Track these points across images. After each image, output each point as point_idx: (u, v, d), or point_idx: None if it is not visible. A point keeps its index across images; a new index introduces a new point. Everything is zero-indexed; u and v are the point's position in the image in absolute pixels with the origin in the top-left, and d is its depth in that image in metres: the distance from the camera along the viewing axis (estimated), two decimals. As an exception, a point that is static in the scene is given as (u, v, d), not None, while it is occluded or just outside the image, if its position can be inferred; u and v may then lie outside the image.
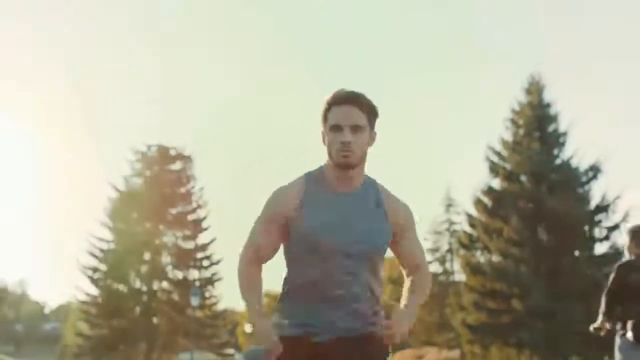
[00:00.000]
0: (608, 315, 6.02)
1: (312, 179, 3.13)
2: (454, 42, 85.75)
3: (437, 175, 72.46)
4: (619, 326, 6.04)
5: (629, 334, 5.96)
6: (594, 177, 30.92)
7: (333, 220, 3.03)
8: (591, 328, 6.29)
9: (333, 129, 3.05)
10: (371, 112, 3.10)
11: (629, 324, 5.97)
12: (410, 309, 3.11)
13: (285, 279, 3.16)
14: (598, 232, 30.93)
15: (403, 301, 3.16)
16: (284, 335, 3.06)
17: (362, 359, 3.07)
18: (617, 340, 6.08)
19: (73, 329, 61.84)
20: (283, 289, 3.16)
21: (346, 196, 3.08)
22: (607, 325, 6.02)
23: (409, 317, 3.08)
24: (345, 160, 3.03)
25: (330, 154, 3.09)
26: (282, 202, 3.10)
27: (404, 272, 3.27)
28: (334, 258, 3.01)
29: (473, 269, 31.24)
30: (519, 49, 78.62)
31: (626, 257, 6.27)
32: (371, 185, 3.15)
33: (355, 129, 3.04)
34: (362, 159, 3.10)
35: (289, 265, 3.16)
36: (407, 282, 3.24)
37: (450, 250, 41.63)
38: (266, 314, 3.10)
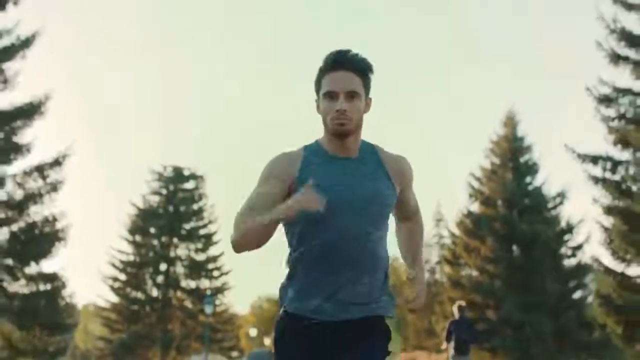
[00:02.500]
0: (447, 340, 12.44)
1: (310, 149, 3.15)
2: (451, 44, 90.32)
3: (429, 188, 77.90)
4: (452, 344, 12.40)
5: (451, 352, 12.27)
6: (561, 202, 36.64)
7: (337, 181, 3.05)
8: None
9: (327, 96, 3.05)
10: (366, 76, 3.10)
11: (452, 344, 12.29)
12: (421, 272, 3.34)
13: (291, 252, 3.14)
14: (564, 251, 36.64)
15: (410, 256, 3.37)
16: (290, 312, 3.10)
17: (369, 342, 3.09)
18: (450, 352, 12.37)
19: (84, 332, 68.05)
20: (289, 264, 3.14)
21: (345, 160, 3.10)
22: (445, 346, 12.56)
23: (425, 282, 3.35)
24: (341, 129, 3.04)
25: (325, 123, 3.10)
26: (284, 165, 3.09)
27: (396, 217, 3.40)
28: (335, 222, 3.01)
29: (453, 282, 37.11)
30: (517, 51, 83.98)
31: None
32: (369, 148, 3.19)
33: (351, 95, 3.04)
34: (359, 126, 3.10)
35: (293, 231, 3.12)
36: (404, 228, 3.41)
37: (440, 262, 47.41)
38: None
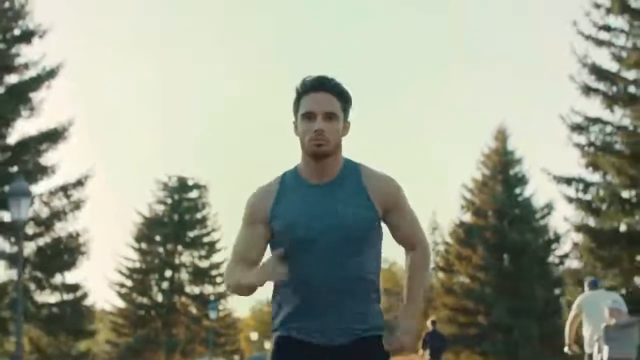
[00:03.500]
0: (423, 348, 15.08)
1: (288, 176, 3.17)
2: (451, 45, 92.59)
3: (426, 195, 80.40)
4: (427, 352, 15.02)
5: (427, 357, 14.91)
6: (549, 213, 39.40)
7: (305, 213, 3.06)
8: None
9: (305, 117, 3.07)
10: (345, 100, 3.13)
11: (428, 351, 14.95)
12: (411, 311, 3.17)
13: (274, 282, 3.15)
14: (552, 259, 39.40)
15: (404, 296, 3.22)
16: (283, 335, 3.15)
17: None
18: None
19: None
20: (273, 291, 3.22)
21: (322, 187, 3.10)
22: None
23: (413, 323, 3.16)
24: (319, 150, 3.05)
25: (302, 144, 3.10)
26: (258, 204, 3.15)
27: (400, 244, 3.27)
28: (313, 251, 3.04)
29: (446, 289, 39.87)
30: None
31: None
32: (351, 169, 3.16)
33: (329, 116, 3.06)
34: (337, 147, 3.11)
35: None
36: (407, 260, 3.26)
37: (435, 269, 50.13)
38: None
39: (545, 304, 37.49)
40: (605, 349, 9.57)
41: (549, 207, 39.45)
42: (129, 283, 46.87)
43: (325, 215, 3.06)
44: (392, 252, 48.87)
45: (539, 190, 39.84)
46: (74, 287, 25.99)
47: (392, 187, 3.18)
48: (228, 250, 50.65)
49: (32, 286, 24.88)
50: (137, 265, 47.07)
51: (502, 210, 38.92)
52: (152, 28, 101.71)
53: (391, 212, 3.17)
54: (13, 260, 24.16)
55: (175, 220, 47.52)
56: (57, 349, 24.50)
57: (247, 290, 3.09)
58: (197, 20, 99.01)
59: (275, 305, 3.21)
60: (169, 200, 48.17)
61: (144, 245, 47.35)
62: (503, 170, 39.81)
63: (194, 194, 48.71)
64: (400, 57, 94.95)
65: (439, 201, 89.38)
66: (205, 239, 48.19)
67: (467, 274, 39.28)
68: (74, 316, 25.40)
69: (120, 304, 46.88)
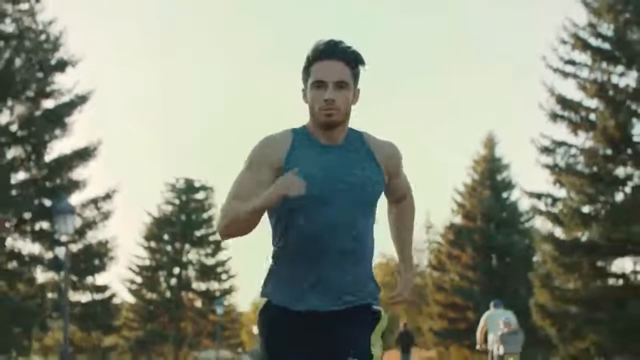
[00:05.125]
0: (396, 343, 19.61)
1: (299, 132, 3.23)
2: (451, 46, 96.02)
3: (422, 194, 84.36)
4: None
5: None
6: (533, 216, 43.65)
7: (324, 169, 3.13)
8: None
9: (315, 85, 3.12)
10: (356, 66, 3.19)
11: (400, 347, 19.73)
12: (409, 260, 3.43)
13: (274, 239, 3.23)
14: (536, 259, 43.67)
15: (400, 248, 3.45)
16: (274, 304, 3.20)
17: (353, 330, 3.17)
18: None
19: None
20: (273, 252, 3.24)
21: (333, 148, 3.18)
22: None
23: (411, 275, 3.41)
24: (329, 119, 3.11)
25: (312, 113, 3.17)
26: (270, 150, 3.18)
27: (388, 201, 3.45)
28: (327, 209, 3.11)
29: (437, 286, 44.20)
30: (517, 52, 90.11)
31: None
32: (356, 136, 3.26)
33: (340, 85, 3.12)
34: (347, 117, 3.18)
35: (278, 221, 3.21)
36: (395, 210, 3.48)
37: (428, 267, 54.46)
38: None
39: (528, 301, 41.74)
40: (502, 347, 15.06)
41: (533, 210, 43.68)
42: (138, 280, 50.83)
43: (341, 174, 3.13)
44: (385, 248, 53.00)
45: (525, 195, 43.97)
46: (103, 288, 30.49)
47: (396, 152, 3.32)
48: (233, 248, 54.86)
49: (68, 287, 29.14)
50: (147, 262, 50.90)
51: (489, 213, 43.17)
52: (153, 31, 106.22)
53: (394, 176, 3.33)
54: (50, 264, 28.50)
55: (183, 220, 51.47)
56: (89, 342, 28.93)
57: (249, 220, 3.06)
58: (202, 23, 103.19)
59: (273, 264, 3.23)
60: (177, 201, 52.20)
61: (153, 244, 51.30)
62: (491, 176, 44.06)
63: (200, 195, 52.74)
64: (400, 57, 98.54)
65: (436, 202, 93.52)
66: (211, 238, 52.10)
67: (457, 272, 43.54)
68: (103, 313, 29.82)
69: (131, 299, 50.88)
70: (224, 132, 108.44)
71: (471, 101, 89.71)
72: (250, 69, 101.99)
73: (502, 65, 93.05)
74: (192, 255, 51.78)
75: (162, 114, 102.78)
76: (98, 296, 30.38)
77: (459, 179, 47.18)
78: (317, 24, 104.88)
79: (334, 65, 3.13)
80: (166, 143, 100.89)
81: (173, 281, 51.10)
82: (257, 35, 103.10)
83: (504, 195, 44.47)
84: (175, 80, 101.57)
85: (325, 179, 3.13)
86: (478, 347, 16.27)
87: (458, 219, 44.79)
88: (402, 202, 3.47)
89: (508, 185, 44.61)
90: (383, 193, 3.30)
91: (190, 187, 52.63)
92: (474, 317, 42.69)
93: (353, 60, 3.18)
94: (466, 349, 42.97)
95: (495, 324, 15.50)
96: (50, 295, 28.55)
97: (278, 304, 3.19)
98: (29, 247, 28.59)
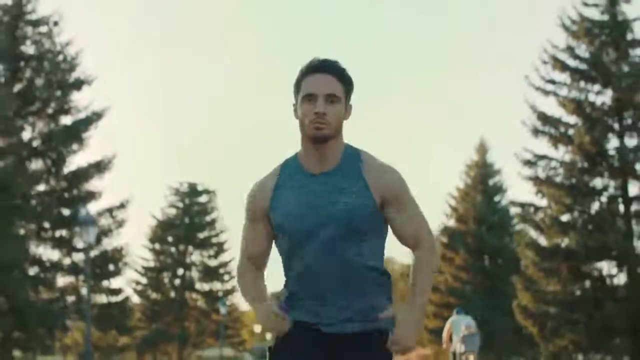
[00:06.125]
0: None
1: (287, 165, 3.28)
2: (450, 46, 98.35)
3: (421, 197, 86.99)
4: None
5: None
6: (518, 223, 46.58)
7: (302, 204, 3.17)
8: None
9: (306, 98, 3.15)
10: (348, 82, 3.21)
11: None
12: (410, 306, 3.16)
13: (283, 266, 3.34)
14: (526, 261, 46.61)
15: (410, 290, 3.21)
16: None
17: (359, 355, 3.21)
18: None
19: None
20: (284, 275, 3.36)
21: (319, 176, 3.19)
22: None
23: (416, 321, 3.15)
24: (319, 133, 3.13)
25: (302, 127, 3.18)
26: (256, 198, 3.28)
27: (399, 241, 3.29)
28: (311, 242, 3.16)
29: (433, 287, 46.91)
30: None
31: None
32: (352, 156, 3.24)
33: (331, 98, 3.14)
34: (338, 131, 3.18)
35: (281, 258, 3.34)
36: (412, 259, 3.27)
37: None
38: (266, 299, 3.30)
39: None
40: (463, 346, 18.52)
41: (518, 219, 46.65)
42: (144, 281, 53.62)
43: (322, 206, 3.15)
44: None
45: (519, 196, 46.87)
46: (118, 291, 33.52)
47: (392, 178, 3.21)
48: (235, 249, 57.77)
49: (84, 290, 32.06)
50: (152, 264, 53.78)
51: (481, 217, 46.07)
52: (153, 27, 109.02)
53: (390, 205, 3.20)
54: (69, 269, 31.46)
55: (186, 222, 54.22)
56: (104, 342, 31.85)
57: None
58: (197, 21, 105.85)
59: (285, 285, 3.32)
60: (181, 205, 55.06)
61: (157, 246, 54.17)
62: (483, 181, 46.99)
63: (203, 199, 55.60)
64: (402, 56, 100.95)
65: (431, 206, 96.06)
66: (214, 240, 54.90)
67: (450, 273, 46.45)
68: (118, 315, 32.80)
69: (136, 299, 53.59)
70: (226, 137, 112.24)
71: (466, 106, 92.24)
72: (250, 67, 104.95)
73: (501, 68, 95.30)
74: (196, 256, 54.49)
75: (166, 124, 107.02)
76: (113, 298, 33.36)
77: (453, 183, 50.18)
78: (318, 22, 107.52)
79: (324, 78, 3.17)
80: (170, 149, 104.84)
81: (177, 282, 53.88)
82: (260, 35, 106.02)
83: (496, 199, 47.38)
84: (176, 83, 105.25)
85: (303, 214, 3.17)
86: (444, 345, 19.71)
87: (452, 222, 47.70)
88: (416, 252, 3.27)
89: (499, 190, 47.54)
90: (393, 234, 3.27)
91: (193, 191, 55.41)
92: (467, 316, 45.68)
93: (344, 75, 3.22)
94: (459, 346, 45.89)
95: (458, 327, 19.02)
96: (69, 298, 31.48)
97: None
98: (49, 253, 31.55)
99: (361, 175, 3.20)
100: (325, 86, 3.16)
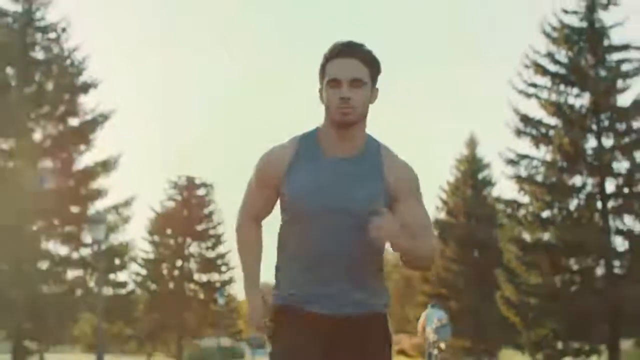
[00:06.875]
0: None
1: (306, 141, 3.32)
2: (456, 38, 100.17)
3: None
4: None
5: None
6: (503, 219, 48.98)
7: (315, 188, 3.21)
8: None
9: (331, 83, 3.19)
10: (373, 66, 3.25)
11: None
12: (397, 223, 3.15)
13: (279, 243, 3.40)
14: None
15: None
16: (278, 304, 3.34)
17: (361, 342, 3.28)
18: None
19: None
20: (277, 255, 3.41)
21: (336, 162, 3.25)
22: None
23: (400, 224, 3.14)
24: (344, 118, 3.16)
25: (327, 112, 3.22)
26: (271, 166, 3.33)
27: None
28: (320, 226, 3.21)
29: (424, 278, 49.59)
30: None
31: None
32: (372, 147, 3.30)
33: (356, 83, 3.17)
34: (363, 116, 3.22)
35: (281, 229, 3.40)
36: None
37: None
38: (258, 287, 3.40)
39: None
40: (436, 335, 21.10)
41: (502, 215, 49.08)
42: (143, 272, 55.79)
43: (334, 194, 3.21)
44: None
45: (505, 192, 49.40)
46: (123, 284, 36.05)
47: (410, 176, 3.31)
48: (231, 242, 59.82)
49: (92, 283, 34.48)
50: (151, 256, 55.86)
51: (471, 211, 48.52)
52: (154, 29, 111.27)
53: (400, 201, 3.28)
54: (77, 264, 33.91)
55: (185, 215, 56.50)
56: (111, 332, 34.29)
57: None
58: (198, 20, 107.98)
59: (278, 273, 3.40)
60: (179, 198, 57.34)
61: (156, 238, 56.37)
62: (472, 175, 49.45)
63: (201, 192, 57.76)
64: (404, 44, 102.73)
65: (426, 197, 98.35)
66: (212, 232, 56.74)
67: (441, 265, 48.91)
68: (125, 307, 35.30)
69: (137, 291, 55.69)
70: (224, 134, 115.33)
71: (460, 101, 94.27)
72: (250, 67, 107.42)
73: (498, 63, 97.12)
74: (194, 248, 56.23)
75: (167, 123, 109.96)
76: (119, 291, 35.85)
77: (444, 177, 52.87)
78: (317, 22, 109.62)
79: (349, 63, 3.18)
80: (170, 147, 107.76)
81: (176, 273, 55.77)
82: (259, 33, 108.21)
83: (485, 192, 49.83)
84: (177, 82, 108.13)
85: (314, 199, 3.22)
86: (418, 335, 22.66)
87: (442, 215, 50.18)
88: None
89: (488, 184, 50.00)
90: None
91: (191, 184, 57.65)
92: (457, 307, 48.08)
93: (370, 59, 3.24)
94: (451, 336, 48.34)
95: (431, 319, 21.65)
96: (78, 291, 33.89)
97: (288, 304, 3.34)
98: (58, 248, 33.99)
99: (380, 168, 3.27)
100: (350, 70, 3.19)
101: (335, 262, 3.25)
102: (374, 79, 3.26)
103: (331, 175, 3.25)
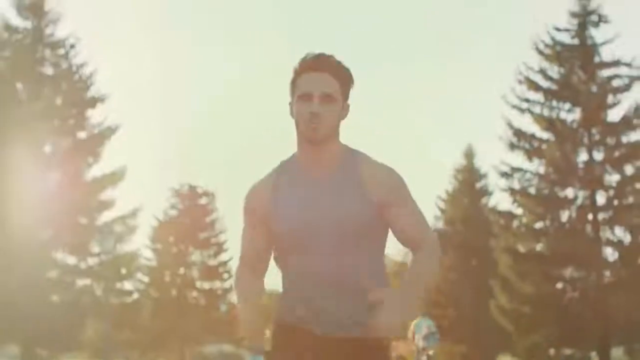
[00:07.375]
0: None
1: (285, 167, 3.32)
2: (456, 37, 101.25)
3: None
4: None
5: None
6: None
7: (299, 210, 3.22)
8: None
9: (301, 98, 3.16)
10: (345, 80, 3.21)
11: None
12: (400, 296, 3.11)
13: (276, 262, 3.44)
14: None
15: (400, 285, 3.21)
16: (277, 323, 3.36)
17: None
18: None
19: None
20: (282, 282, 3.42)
21: (316, 181, 3.24)
22: None
23: (401, 306, 3.08)
24: (314, 134, 3.16)
25: (297, 127, 3.22)
26: (256, 201, 3.34)
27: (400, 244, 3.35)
28: (309, 248, 3.21)
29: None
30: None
31: None
32: (349, 158, 3.27)
33: (326, 98, 3.15)
34: (334, 132, 3.21)
35: (279, 262, 3.43)
36: (410, 262, 3.37)
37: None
38: (258, 314, 3.31)
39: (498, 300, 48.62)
40: (424, 342, 22.76)
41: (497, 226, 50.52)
42: (146, 279, 57.07)
43: (318, 211, 3.20)
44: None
45: (501, 203, 50.91)
46: (129, 292, 37.64)
47: (391, 180, 3.25)
48: (233, 249, 61.20)
49: (99, 291, 36.02)
50: (153, 263, 57.14)
51: (468, 220, 50.01)
52: (156, 30, 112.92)
53: (389, 207, 3.23)
54: (85, 273, 35.45)
55: (187, 223, 57.78)
56: (118, 339, 35.86)
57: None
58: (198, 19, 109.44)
59: (281, 295, 3.41)
60: (181, 206, 58.58)
61: (159, 246, 57.68)
62: (470, 185, 50.95)
63: (203, 201, 59.07)
64: (407, 42, 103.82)
65: (425, 206, 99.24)
66: (213, 240, 58.02)
67: (439, 274, 50.25)
68: (130, 313, 36.84)
69: (139, 298, 56.98)
70: (226, 141, 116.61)
71: (459, 112, 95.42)
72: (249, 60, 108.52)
73: (498, 72, 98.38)
74: (196, 256, 57.26)
75: (168, 131, 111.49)
76: (125, 299, 37.40)
77: (442, 186, 54.41)
78: (317, 22, 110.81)
79: (320, 77, 3.16)
80: (172, 156, 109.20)
81: (178, 280, 56.46)
82: (260, 33, 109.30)
83: (482, 202, 51.33)
84: (178, 86, 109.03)
85: (299, 220, 3.23)
86: (409, 342, 23.99)
87: (441, 224, 51.71)
88: (416, 254, 3.33)
89: (485, 193, 51.50)
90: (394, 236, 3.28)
91: (193, 193, 58.91)
92: (455, 315, 49.54)
93: (341, 73, 3.22)
94: (448, 343, 49.79)
95: (420, 327, 23.13)
96: (85, 299, 35.42)
97: (285, 324, 3.36)
98: (67, 258, 35.49)
99: (358, 178, 3.22)
100: (320, 85, 3.16)
101: (328, 281, 3.24)
102: (345, 94, 3.25)
103: (313, 194, 3.26)
